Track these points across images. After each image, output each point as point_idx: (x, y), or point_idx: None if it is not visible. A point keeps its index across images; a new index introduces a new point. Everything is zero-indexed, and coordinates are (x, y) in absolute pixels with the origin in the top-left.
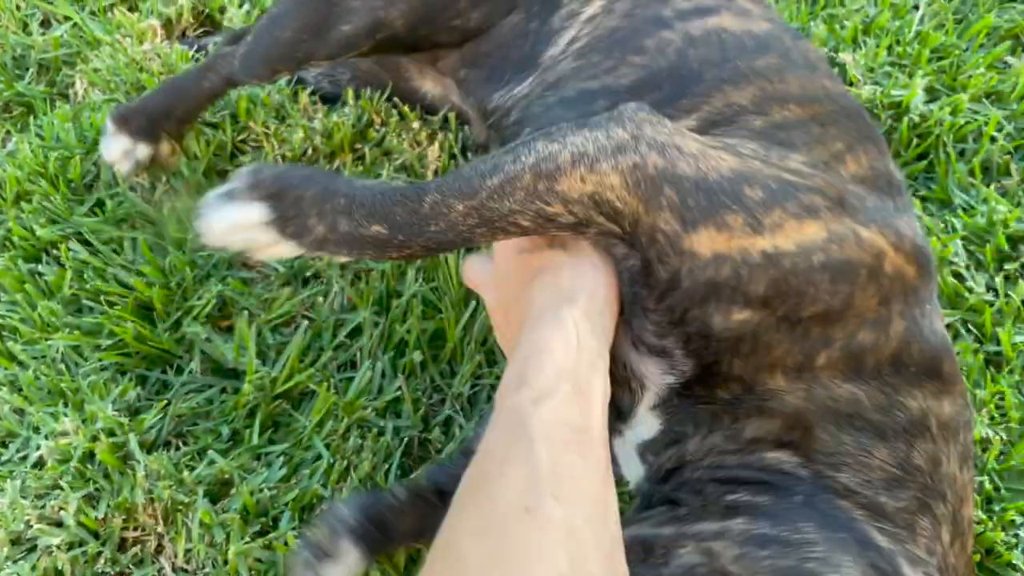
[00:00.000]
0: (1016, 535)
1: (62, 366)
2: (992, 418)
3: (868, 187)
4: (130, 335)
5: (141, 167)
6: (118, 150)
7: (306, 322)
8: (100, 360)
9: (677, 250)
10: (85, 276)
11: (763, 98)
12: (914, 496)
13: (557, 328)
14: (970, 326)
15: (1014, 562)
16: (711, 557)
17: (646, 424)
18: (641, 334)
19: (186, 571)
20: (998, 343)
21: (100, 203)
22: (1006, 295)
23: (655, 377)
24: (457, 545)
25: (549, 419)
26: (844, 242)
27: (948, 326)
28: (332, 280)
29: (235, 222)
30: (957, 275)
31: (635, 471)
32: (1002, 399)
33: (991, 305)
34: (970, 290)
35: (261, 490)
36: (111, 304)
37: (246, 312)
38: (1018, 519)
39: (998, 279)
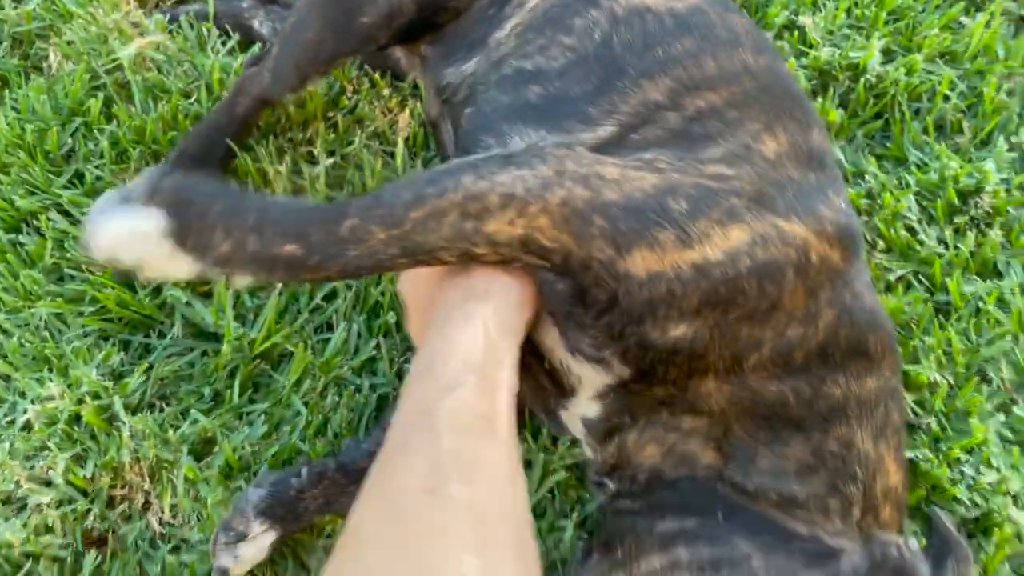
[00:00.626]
0: (961, 472)
1: (46, 333)
2: (939, 363)
3: (789, 164)
4: (112, 301)
5: None
6: None
7: (281, 286)
8: (83, 326)
9: (613, 274)
10: (66, 245)
11: (678, 89)
12: (824, 482)
13: (466, 324)
14: (921, 277)
15: (958, 496)
16: None
17: (587, 407)
18: (579, 345)
19: (172, 525)
20: (947, 293)
21: (79, 174)
22: (955, 247)
23: (593, 377)
24: (361, 531)
25: (454, 408)
26: (768, 243)
27: (900, 278)
28: None
29: (127, 230)
30: (910, 229)
31: (585, 449)
32: (949, 345)
33: (941, 257)
34: (922, 243)
35: (243, 447)
36: (92, 272)
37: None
38: (963, 456)
39: (948, 232)
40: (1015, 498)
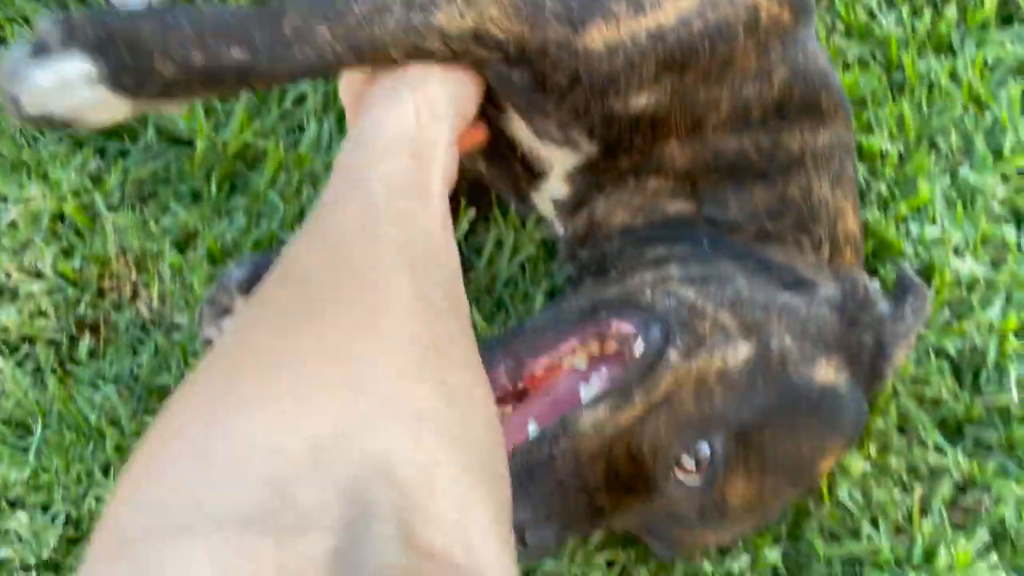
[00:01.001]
0: (907, 229)
1: (22, 140)
2: (891, 134)
3: None
4: None
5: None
6: None
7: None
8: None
9: (571, 53)
10: None
11: None
12: (792, 222)
13: (395, 104)
14: (878, 56)
15: (904, 250)
16: (680, 300)
17: (557, 187)
18: (545, 129)
19: (162, 312)
20: (903, 70)
21: None
22: (912, 27)
23: (562, 159)
24: (295, 260)
25: (387, 172)
26: (718, 3)
27: (859, 58)
28: None
29: (51, 84)
30: (869, 12)
31: (555, 227)
32: (901, 118)
33: (898, 37)
34: (880, 24)
35: (224, 237)
36: None
37: None
38: (909, 215)
39: (905, 11)
40: (956, 249)
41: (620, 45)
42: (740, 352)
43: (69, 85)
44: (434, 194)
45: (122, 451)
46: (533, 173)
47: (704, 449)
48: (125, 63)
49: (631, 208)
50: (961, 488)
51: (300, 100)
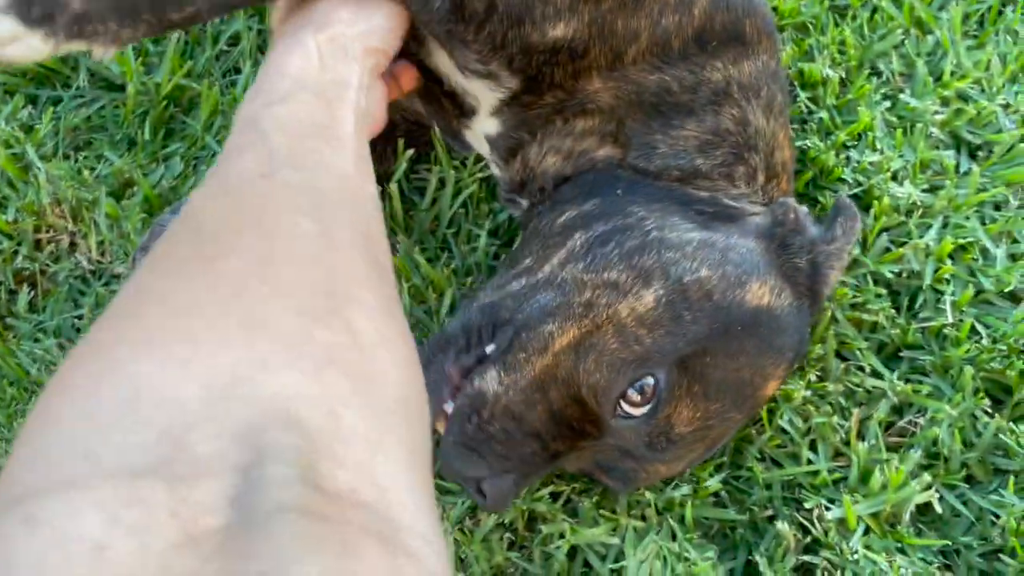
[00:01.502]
0: (847, 156)
1: None
2: (833, 60)
3: None
4: None
5: None
6: None
7: (181, 32)
8: None
9: None
10: None
11: None
12: (727, 152)
13: (296, 48)
14: None
15: (843, 176)
16: (561, 287)
17: (488, 124)
18: (466, 62)
19: (101, 262)
20: None
21: None
22: None
23: (485, 94)
24: (193, 208)
25: (283, 115)
26: None
27: None
28: None
29: None
30: None
31: (493, 168)
32: (843, 43)
33: None
34: None
35: (161, 184)
36: None
37: None
38: (849, 142)
39: None
40: (894, 175)
41: None
42: (646, 297)
43: None
44: (345, 135)
45: None
46: (463, 110)
47: (648, 381)
48: None
49: (561, 151)
50: (898, 410)
51: (235, 40)
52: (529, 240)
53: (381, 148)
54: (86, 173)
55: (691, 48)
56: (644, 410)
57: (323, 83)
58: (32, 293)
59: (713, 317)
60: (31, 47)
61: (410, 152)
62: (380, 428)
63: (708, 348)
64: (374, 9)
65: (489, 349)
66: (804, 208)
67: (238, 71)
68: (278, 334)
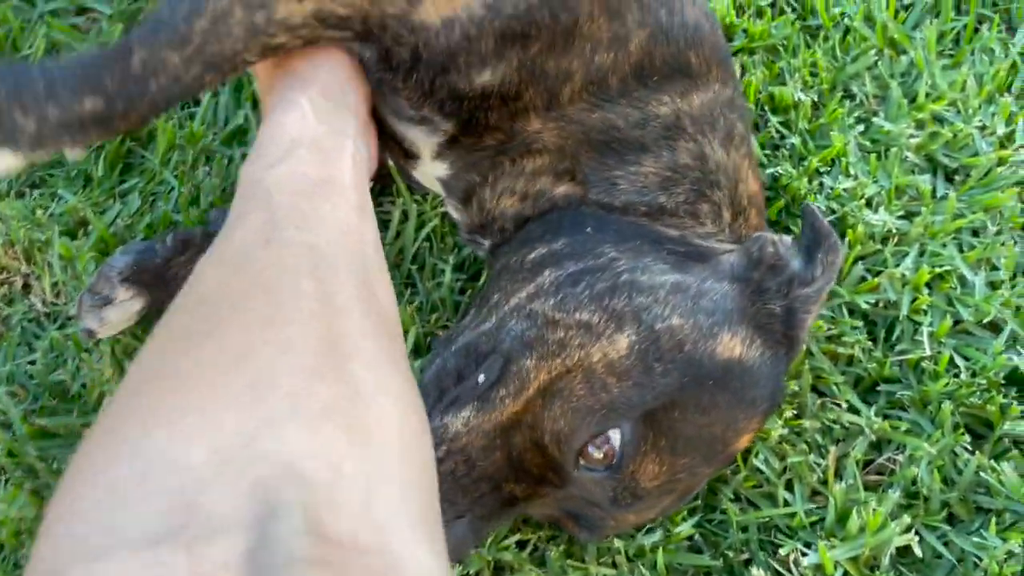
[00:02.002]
0: (821, 182)
1: None
2: (805, 83)
3: None
4: None
5: None
6: None
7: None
8: None
9: (409, 28)
10: None
11: None
12: (689, 189)
13: (290, 109)
14: (791, 1)
15: (818, 205)
16: (532, 319)
17: (434, 167)
18: (399, 108)
19: (56, 304)
20: (817, 15)
21: None
22: None
23: (423, 139)
24: (198, 278)
25: (284, 176)
26: None
27: (773, 3)
28: None
29: None
30: None
31: (451, 211)
32: (815, 65)
33: None
34: None
35: (117, 222)
36: None
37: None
38: (822, 168)
39: None
40: (868, 202)
41: (455, 18)
42: (620, 342)
43: None
44: (343, 186)
45: (16, 456)
46: (407, 154)
47: (612, 437)
48: None
49: (515, 193)
50: (876, 447)
51: None
52: (498, 277)
53: None
54: (39, 212)
55: (631, 84)
56: (607, 464)
57: (320, 138)
58: None
59: (684, 370)
60: (7, 163)
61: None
62: (378, 473)
63: (677, 402)
64: (340, 60)
65: (481, 378)
66: (787, 238)
67: (197, 103)
68: (281, 393)
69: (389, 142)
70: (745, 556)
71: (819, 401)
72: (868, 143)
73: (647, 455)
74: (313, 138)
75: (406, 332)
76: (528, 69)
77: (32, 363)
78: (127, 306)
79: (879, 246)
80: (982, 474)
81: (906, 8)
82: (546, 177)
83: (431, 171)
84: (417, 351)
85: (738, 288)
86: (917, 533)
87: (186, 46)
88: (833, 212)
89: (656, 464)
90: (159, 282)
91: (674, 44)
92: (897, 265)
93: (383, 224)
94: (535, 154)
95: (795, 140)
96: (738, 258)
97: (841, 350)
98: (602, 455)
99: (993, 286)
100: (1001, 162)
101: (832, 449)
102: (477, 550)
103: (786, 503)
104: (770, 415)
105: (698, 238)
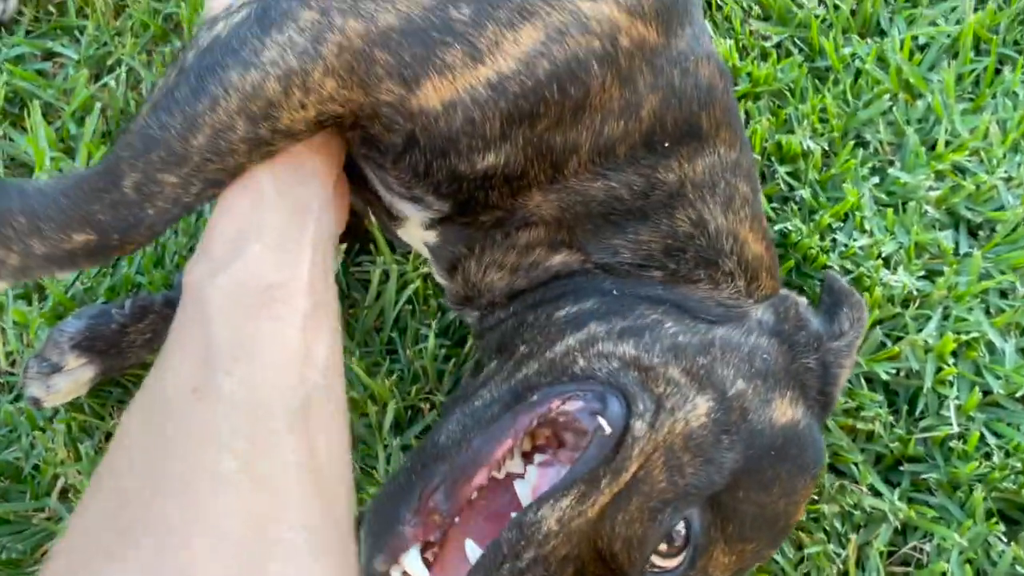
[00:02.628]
0: (833, 239)
1: None
2: (814, 130)
3: None
4: None
5: None
6: None
7: (103, 107)
8: None
9: (406, 115)
10: None
11: None
12: (696, 258)
13: (244, 187)
14: (799, 42)
15: (828, 264)
16: (611, 359)
17: (423, 234)
18: (388, 183)
19: (12, 374)
20: (825, 56)
21: None
22: (835, 6)
23: (411, 211)
24: (125, 430)
25: (229, 287)
26: (566, 36)
27: (778, 44)
28: (125, 63)
29: None
30: None
31: (437, 277)
32: (825, 111)
33: (820, 18)
34: (800, 5)
35: (76, 285)
36: None
37: (38, 103)
38: (834, 223)
39: None
40: (886, 261)
41: (458, 102)
42: (699, 408)
43: None
44: (297, 288)
45: None
46: (391, 215)
47: (681, 530)
48: None
49: (506, 268)
50: (900, 533)
51: None
52: (512, 335)
53: None
54: None
55: (639, 151)
56: (677, 562)
57: (277, 227)
58: None
59: (748, 441)
60: None
61: (344, 245)
62: None
63: (740, 479)
64: (310, 138)
65: (600, 421)
66: (803, 300)
67: None
68: None
69: (372, 198)
70: None
71: (838, 482)
72: (884, 196)
73: (716, 545)
74: (269, 228)
75: (385, 405)
76: (535, 146)
77: None
78: (77, 374)
79: (899, 309)
80: (1018, 567)
81: (921, 49)
82: (540, 249)
83: (418, 235)
84: (398, 425)
85: (776, 344)
86: None
87: (184, 165)
88: (848, 273)
89: (726, 554)
90: (114, 350)
91: (686, 107)
92: (919, 331)
93: (362, 285)
94: (531, 227)
95: (805, 193)
96: (767, 315)
97: (860, 425)
98: (675, 554)
99: None
100: None
101: (853, 537)
102: None
103: None
104: (817, 479)
105: (721, 301)
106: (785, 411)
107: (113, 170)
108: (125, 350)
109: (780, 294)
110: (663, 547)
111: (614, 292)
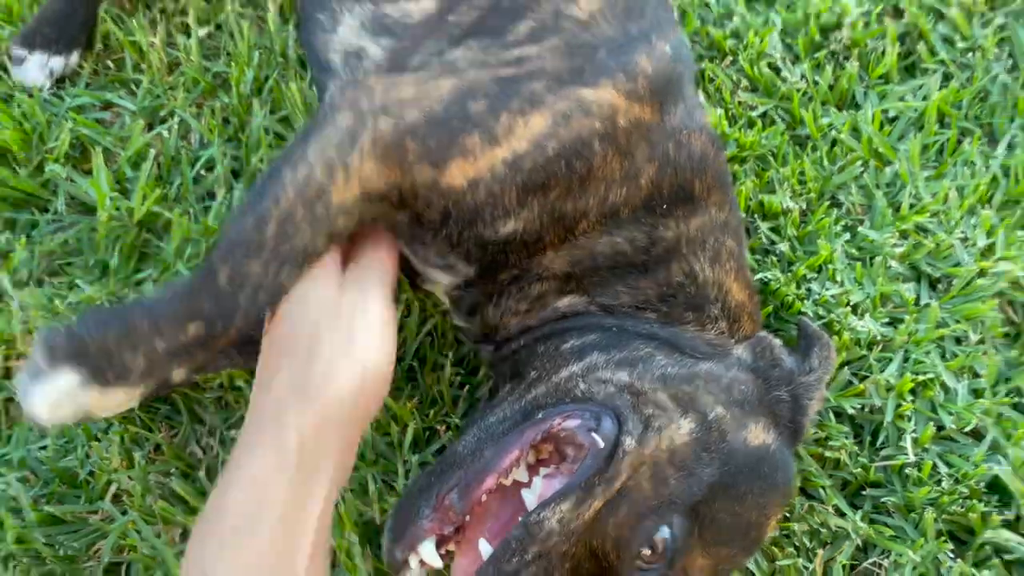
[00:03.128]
0: (808, 288)
1: None
2: (794, 191)
3: (604, 21)
4: None
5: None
6: (35, 68)
7: (157, 154)
8: None
9: (440, 193)
10: None
11: None
12: (685, 304)
13: (273, 444)
14: (782, 112)
15: (803, 310)
16: (606, 384)
17: (449, 292)
18: (426, 257)
19: None
20: (805, 125)
21: None
22: (815, 81)
23: (444, 278)
24: None
25: (234, 565)
26: (570, 120)
27: (764, 114)
28: (178, 112)
29: (53, 398)
30: (773, 67)
31: (455, 318)
32: (803, 174)
33: (801, 92)
34: (784, 79)
35: None
36: None
37: (100, 149)
38: (809, 275)
39: (808, 66)
40: (855, 308)
41: (480, 179)
42: (683, 428)
43: (67, 395)
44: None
45: (24, 543)
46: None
47: (663, 533)
48: (101, 365)
49: (519, 313)
50: (862, 550)
51: (211, 166)
52: (524, 363)
53: None
54: (58, 302)
55: (640, 213)
56: (660, 561)
57: (288, 502)
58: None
59: (724, 459)
60: (122, 398)
61: None
62: None
63: (717, 492)
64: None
65: (594, 437)
66: (779, 341)
67: (212, 196)
68: None
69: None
70: None
71: (807, 504)
72: (854, 251)
73: (695, 548)
74: (283, 501)
75: (405, 426)
76: (548, 213)
77: (43, 448)
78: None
79: (865, 352)
80: None
81: (891, 121)
82: (551, 296)
83: (443, 292)
84: (416, 444)
85: (752, 378)
86: None
87: (262, 251)
88: (820, 318)
89: (703, 556)
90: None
91: (681, 174)
92: (882, 371)
93: None
94: (542, 280)
95: (784, 247)
96: (746, 353)
97: (828, 454)
98: (657, 554)
99: (976, 394)
100: (982, 273)
101: (819, 552)
102: None
103: None
104: (789, 499)
105: (707, 340)
106: (758, 435)
107: (210, 269)
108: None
109: (759, 335)
110: (652, 551)
111: (614, 328)
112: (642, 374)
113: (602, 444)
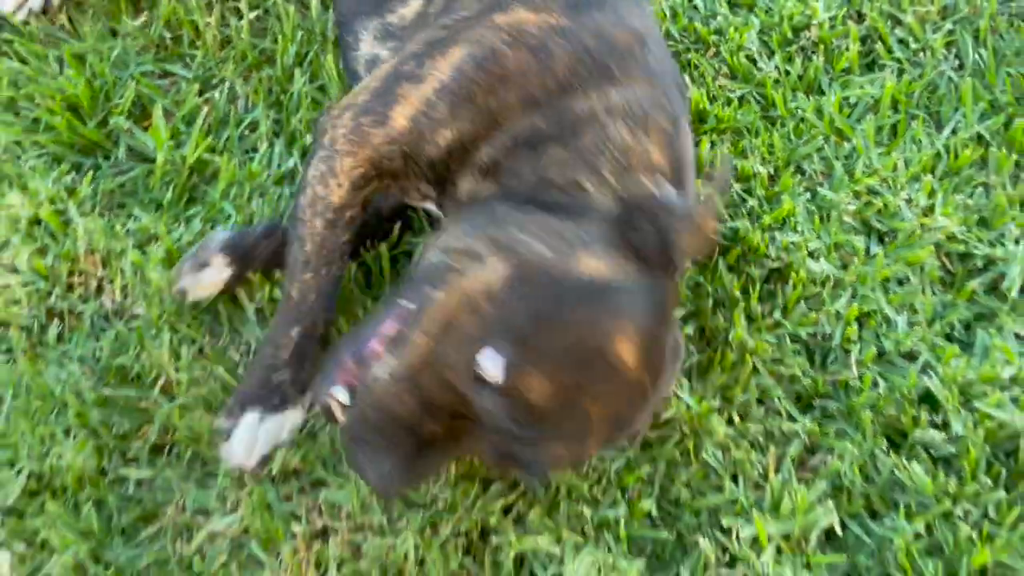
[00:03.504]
0: (772, 236)
1: (5, 156)
2: (763, 158)
3: None
4: (64, 127)
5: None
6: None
7: (207, 113)
8: (41, 147)
9: (393, 141)
10: (19, 83)
11: None
12: (577, 166)
13: None
14: (757, 96)
15: (767, 253)
16: (435, 250)
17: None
18: (410, 194)
19: (124, 304)
20: (776, 107)
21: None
22: (786, 71)
23: (431, 207)
24: None
25: None
26: (483, 39)
27: (741, 97)
28: (228, 80)
29: (246, 441)
30: (751, 58)
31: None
32: (772, 145)
33: (774, 80)
34: (760, 69)
35: (181, 240)
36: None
37: (160, 106)
38: (774, 225)
39: (780, 59)
40: (811, 253)
41: (418, 112)
42: (498, 268)
43: (254, 430)
44: None
45: (83, 417)
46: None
47: (489, 352)
48: (263, 395)
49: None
50: (809, 450)
51: (254, 126)
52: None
53: (380, 226)
54: (118, 228)
55: (555, 94)
56: (494, 382)
57: None
58: (61, 327)
59: (548, 290)
60: (294, 420)
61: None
62: None
63: (544, 320)
64: None
65: (405, 303)
66: (668, 188)
67: (255, 150)
68: None
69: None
70: (696, 536)
71: (762, 410)
72: (814, 208)
73: (529, 371)
74: None
75: None
76: (479, 115)
77: (100, 349)
78: (219, 272)
79: (819, 288)
80: (897, 473)
81: (851, 106)
82: (472, 180)
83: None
84: None
85: (606, 224)
86: (843, 523)
87: (308, 265)
88: (781, 260)
89: (540, 379)
90: (247, 257)
91: (599, 60)
92: (832, 304)
93: (406, 255)
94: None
95: (753, 203)
96: (612, 203)
97: (783, 370)
98: (491, 373)
99: (912, 326)
100: (923, 227)
101: (772, 449)
102: (413, 488)
103: (731, 491)
104: (652, 332)
105: (577, 202)
106: (596, 268)
107: (284, 290)
108: (255, 259)
109: (634, 188)
110: (485, 371)
111: (496, 210)
112: (467, 233)
113: (412, 306)
